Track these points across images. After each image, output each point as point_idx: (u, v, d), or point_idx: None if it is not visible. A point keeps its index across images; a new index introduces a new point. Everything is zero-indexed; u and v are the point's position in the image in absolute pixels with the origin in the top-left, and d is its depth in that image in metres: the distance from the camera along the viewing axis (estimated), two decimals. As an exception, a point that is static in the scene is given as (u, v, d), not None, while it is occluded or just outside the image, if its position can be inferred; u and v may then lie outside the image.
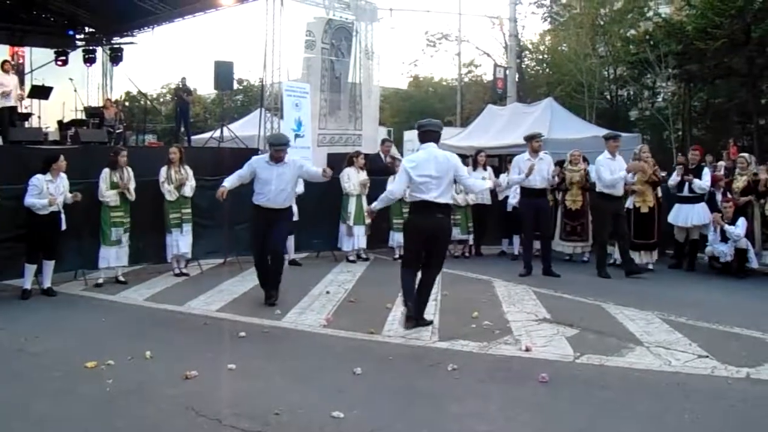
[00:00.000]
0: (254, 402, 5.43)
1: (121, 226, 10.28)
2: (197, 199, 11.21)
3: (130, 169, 10.45)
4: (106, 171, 10.17)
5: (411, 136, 28.68)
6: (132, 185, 10.37)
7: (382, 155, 14.78)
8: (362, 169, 12.84)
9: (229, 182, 8.96)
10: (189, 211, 11.05)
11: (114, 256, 10.27)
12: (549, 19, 35.88)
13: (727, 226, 11.06)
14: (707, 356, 6.63)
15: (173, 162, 10.92)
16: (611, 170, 10.98)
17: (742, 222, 11.07)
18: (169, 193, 10.78)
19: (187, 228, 11.01)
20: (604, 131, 20.22)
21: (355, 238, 12.65)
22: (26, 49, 24.00)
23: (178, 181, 10.85)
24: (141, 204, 10.74)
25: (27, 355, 6.78)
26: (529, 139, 11.58)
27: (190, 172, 11.08)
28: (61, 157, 9.66)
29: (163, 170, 10.88)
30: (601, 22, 28.67)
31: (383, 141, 15.02)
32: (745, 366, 6.31)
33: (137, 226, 10.69)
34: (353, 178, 12.58)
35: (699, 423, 5.09)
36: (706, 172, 11.89)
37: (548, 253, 11.38)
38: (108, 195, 10.09)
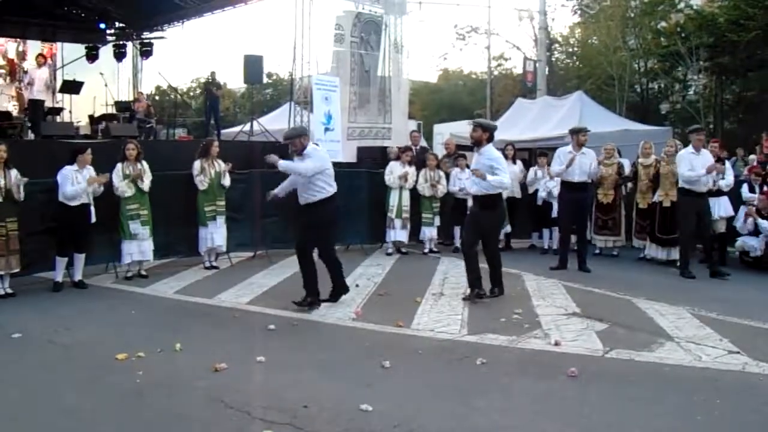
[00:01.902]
0: (283, 394, 5.45)
1: (138, 219, 10.20)
2: (228, 192, 11.25)
3: (144, 163, 10.40)
4: (118, 165, 10.18)
5: (441, 129, 28.69)
6: (147, 178, 10.32)
7: (413, 147, 14.79)
8: (409, 164, 12.88)
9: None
10: (223, 203, 11.12)
11: (137, 250, 10.25)
12: (579, 12, 35.57)
13: (760, 221, 10.95)
14: (738, 352, 6.57)
15: (212, 155, 11.00)
16: (692, 166, 10.60)
17: None
18: (201, 183, 10.82)
19: (221, 220, 11.07)
20: (635, 125, 20.24)
21: (395, 230, 12.69)
22: (58, 45, 24.21)
23: (214, 174, 10.92)
24: (170, 197, 10.83)
25: (57, 346, 6.86)
26: (575, 132, 11.45)
27: (224, 166, 11.12)
28: (88, 151, 9.78)
29: (197, 163, 10.90)
30: (632, 15, 28.34)
31: (412, 132, 15.04)
32: (777, 362, 6.25)
33: (166, 220, 10.76)
34: (395, 172, 12.66)
35: (729, 419, 5.04)
36: (729, 167, 11.75)
37: (584, 248, 11.31)
38: (121, 186, 10.06)
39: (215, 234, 11.00)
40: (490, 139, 9.04)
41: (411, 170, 12.87)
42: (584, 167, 11.07)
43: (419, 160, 13.27)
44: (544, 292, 9.37)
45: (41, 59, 16.37)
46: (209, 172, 10.88)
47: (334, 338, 7.26)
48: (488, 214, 9.04)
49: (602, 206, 12.55)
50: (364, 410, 5.07)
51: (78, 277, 9.74)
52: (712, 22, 23.45)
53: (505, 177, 8.85)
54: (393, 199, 12.70)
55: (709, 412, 5.13)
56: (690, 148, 10.87)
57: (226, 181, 11.08)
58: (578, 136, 11.29)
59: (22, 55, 22.18)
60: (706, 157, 10.76)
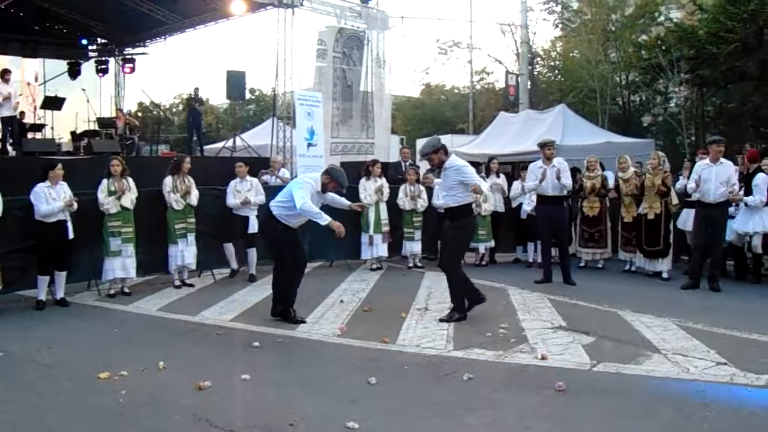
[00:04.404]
0: (268, 412, 5.40)
1: (119, 236, 10.13)
2: (210, 209, 11.20)
3: (130, 179, 10.34)
4: (104, 181, 10.11)
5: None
6: (133, 195, 10.25)
7: (402, 162, 14.81)
8: (379, 177, 12.84)
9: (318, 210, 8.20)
10: (193, 220, 10.99)
11: (120, 267, 10.16)
12: (560, 26, 35.77)
13: (746, 198, 10.84)
14: (726, 363, 6.55)
15: (183, 172, 10.91)
16: (698, 178, 10.56)
17: (762, 179, 10.89)
18: (176, 202, 10.72)
19: (191, 238, 10.94)
20: (617, 137, 20.31)
21: (376, 246, 12.62)
22: (39, 61, 24.14)
23: (184, 191, 10.81)
24: (152, 214, 10.75)
25: (40, 365, 6.77)
26: (542, 146, 11.50)
27: (193, 183, 11.04)
28: (59, 166, 9.64)
29: (168, 180, 10.80)
30: (613, 28, 28.47)
31: (402, 149, 15.07)
32: (765, 373, 6.22)
33: (149, 236, 10.69)
34: (368, 189, 12.56)
35: (719, 431, 5.02)
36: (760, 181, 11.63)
37: (565, 261, 11.30)
38: (106, 201, 9.97)
39: (185, 251, 10.86)
40: (446, 152, 8.75)
41: (384, 183, 12.89)
42: (555, 180, 11.07)
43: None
44: (529, 306, 9.34)
45: (8, 76, 16.26)
46: (180, 189, 10.80)
47: (319, 355, 7.20)
48: (460, 223, 8.74)
49: (588, 219, 12.59)
50: (350, 428, 5.01)
51: (60, 294, 9.63)
52: (693, 35, 23.58)
53: (477, 179, 8.68)
54: (369, 216, 12.63)
55: (698, 424, 5.10)
56: (706, 160, 10.84)
57: (193, 200, 10.95)
58: (544, 150, 11.34)
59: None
60: (725, 169, 10.61)
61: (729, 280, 11.24)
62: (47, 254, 9.43)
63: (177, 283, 10.96)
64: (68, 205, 9.40)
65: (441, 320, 8.47)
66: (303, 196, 8.09)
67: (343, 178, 8.62)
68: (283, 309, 8.58)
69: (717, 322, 8.16)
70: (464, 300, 8.69)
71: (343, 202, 8.98)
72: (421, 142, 29.62)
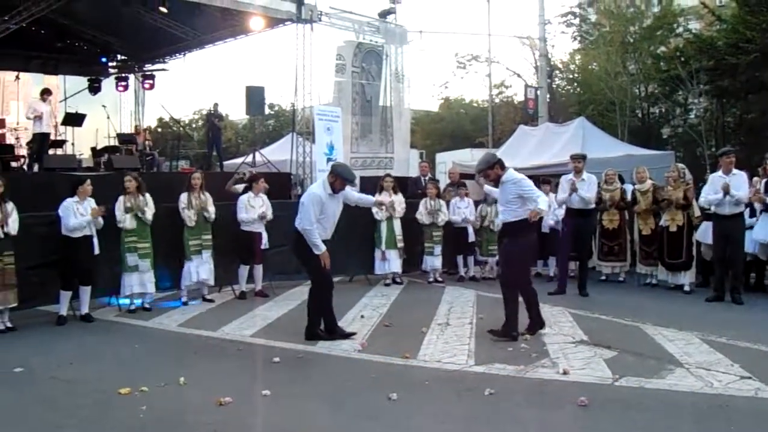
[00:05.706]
0: (289, 428, 5.39)
1: (135, 252, 10.13)
2: (232, 224, 11.14)
3: (148, 195, 10.35)
4: (121, 198, 10.12)
5: (444, 158, 28.77)
6: (149, 210, 10.24)
7: (422, 177, 14.79)
8: (395, 192, 12.70)
9: (318, 234, 8.10)
10: (209, 237, 10.94)
11: (137, 283, 10.16)
12: (578, 38, 35.73)
13: None
14: (750, 377, 6.48)
15: (195, 188, 10.88)
16: (715, 190, 10.52)
17: None
18: (189, 219, 10.67)
19: (207, 255, 10.88)
20: (637, 149, 20.22)
21: (388, 262, 12.54)
22: (60, 78, 24.34)
23: (199, 207, 10.79)
24: (173, 230, 10.75)
25: (60, 381, 6.79)
26: (571, 158, 11.66)
27: (210, 198, 11.04)
28: (88, 181, 9.73)
29: (184, 196, 10.77)
30: (631, 40, 28.36)
31: (420, 163, 15.02)
32: (790, 387, 6.15)
33: (169, 252, 10.72)
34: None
35: (744, 447, 4.97)
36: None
37: (583, 273, 11.29)
38: (121, 218, 10.01)
39: (201, 268, 10.79)
40: (503, 166, 8.44)
41: (397, 198, 12.73)
42: (582, 193, 11.05)
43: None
44: (550, 321, 9.24)
45: (46, 96, 16.40)
46: (196, 205, 10.79)
47: (339, 370, 7.17)
48: (520, 240, 8.41)
49: (608, 232, 12.48)
50: (371, 444, 4.99)
51: (85, 310, 9.66)
52: (712, 46, 23.48)
53: (541, 195, 8.29)
54: (382, 231, 12.53)
55: (722, 440, 5.05)
56: (719, 172, 10.81)
57: (209, 213, 10.91)
58: (572, 162, 11.46)
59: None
60: (738, 180, 10.53)
61: (752, 293, 11.13)
62: (72, 269, 9.47)
63: (184, 299, 10.84)
64: (95, 217, 9.45)
65: (490, 331, 8.34)
66: (308, 218, 8.02)
67: (348, 171, 8.44)
68: (328, 328, 8.41)
69: (740, 336, 8.07)
70: (517, 319, 8.38)
71: (369, 199, 9.32)
72: (441, 156, 29.73)
